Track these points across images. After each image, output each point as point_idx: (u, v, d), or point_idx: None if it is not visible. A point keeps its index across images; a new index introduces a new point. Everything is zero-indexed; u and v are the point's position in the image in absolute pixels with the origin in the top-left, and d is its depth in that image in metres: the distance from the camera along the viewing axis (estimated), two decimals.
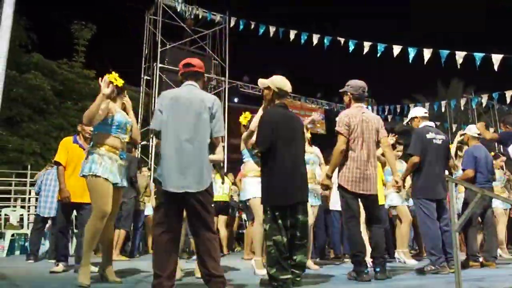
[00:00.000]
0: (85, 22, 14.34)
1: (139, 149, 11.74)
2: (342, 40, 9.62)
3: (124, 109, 3.79)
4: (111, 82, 3.54)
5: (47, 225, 6.79)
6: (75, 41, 14.38)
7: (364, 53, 9.29)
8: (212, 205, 3.03)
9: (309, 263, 4.68)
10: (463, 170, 5.13)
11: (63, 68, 13.46)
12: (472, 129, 5.43)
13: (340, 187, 3.97)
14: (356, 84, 4.14)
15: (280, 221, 3.23)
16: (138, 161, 6.94)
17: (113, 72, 3.73)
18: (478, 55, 8.34)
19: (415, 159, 4.52)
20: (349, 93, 4.15)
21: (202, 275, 2.88)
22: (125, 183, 3.64)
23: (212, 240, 2.87)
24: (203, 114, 2.97)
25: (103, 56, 16.67)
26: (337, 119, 4.08)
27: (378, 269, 3.78)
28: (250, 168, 4.46)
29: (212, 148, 3.07)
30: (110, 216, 3.50)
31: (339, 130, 3.95)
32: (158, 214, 2.88)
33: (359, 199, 3.94)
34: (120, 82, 3.70)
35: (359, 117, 3.98)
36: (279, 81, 3.55)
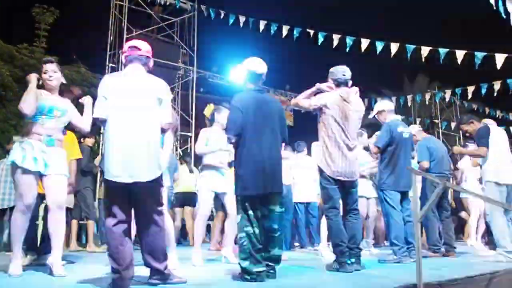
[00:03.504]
0: (47, 5, 13.72)
1: None
2: (311, 31, 9.64)
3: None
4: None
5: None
6: (36, 25, 13.75)
7: (334, 46, 9.33)
8: (162, 195, 2.94)
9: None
10: (418, 162, 5.23)
11: (23, 53, 12.84)
12: (414, 128, 5.53)
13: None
14: (336, 69, 3.94)
15: (251, 212, 3.08)
16: (90, 151, 6.65)
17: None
18: (443, 50, 8.55)
19: (377, 150, 4.70)
20: (330, 80, 3.93)
21: (146, 266, 2.84)
22: (57, 171, 3.42)
23: (158, 233, 2.80)
24: (149, 100, 2.84)
25: (66, 41, 16.05)
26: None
27: (353, 260, 3.68)
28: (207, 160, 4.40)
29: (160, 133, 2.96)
30: (53, 206, 3.38)
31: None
32: (108, 205, 2.77)
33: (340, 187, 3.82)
34: None
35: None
36: (250, 63, 3.39)
